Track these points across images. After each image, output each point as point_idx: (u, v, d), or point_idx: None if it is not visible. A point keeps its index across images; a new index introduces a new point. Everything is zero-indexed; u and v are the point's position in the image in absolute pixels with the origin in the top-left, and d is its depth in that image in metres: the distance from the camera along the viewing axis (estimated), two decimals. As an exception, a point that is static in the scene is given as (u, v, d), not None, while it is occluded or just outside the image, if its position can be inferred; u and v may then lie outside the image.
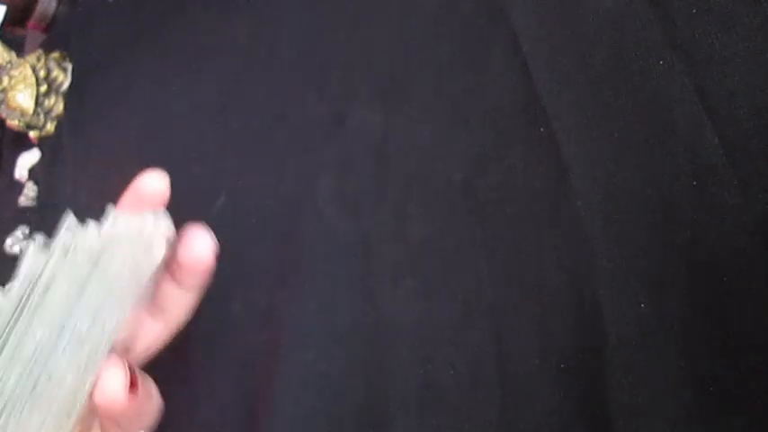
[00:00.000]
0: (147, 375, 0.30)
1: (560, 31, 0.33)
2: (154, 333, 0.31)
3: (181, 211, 0.31)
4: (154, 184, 0.31)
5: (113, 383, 0.26)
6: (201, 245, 0.30)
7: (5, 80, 0.52)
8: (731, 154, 0.27)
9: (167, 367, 0.34)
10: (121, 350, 0.30)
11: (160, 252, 0.28)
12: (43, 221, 0.53)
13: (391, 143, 0.37)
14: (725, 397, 0.26)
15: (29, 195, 0.57)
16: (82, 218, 0.47)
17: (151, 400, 0.29)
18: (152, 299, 0.31)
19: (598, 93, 0.31)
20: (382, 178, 0.37)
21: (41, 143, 0.56)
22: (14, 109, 0.53)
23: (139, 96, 0.51)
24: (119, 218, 0.29)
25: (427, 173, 0.35)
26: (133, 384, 0.27)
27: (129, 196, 0.31)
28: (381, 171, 0.37)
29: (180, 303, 0.31)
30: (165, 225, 0.29)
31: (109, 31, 0.55)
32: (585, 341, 0.29)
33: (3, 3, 0.55)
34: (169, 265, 0.30)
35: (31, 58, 0.55)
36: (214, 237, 0.30)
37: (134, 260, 0.28)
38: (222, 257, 0.35)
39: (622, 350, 0.28)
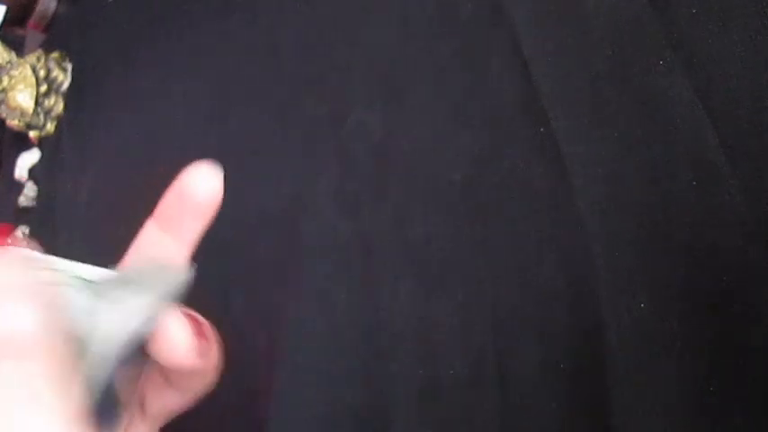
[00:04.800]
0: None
1: (560, 31, 0.33)
2: (170, 399, 0.28)
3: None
4: (204, 184, 0.27)
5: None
6: (176, 347, 0.25)
7: (5, 80, 0.52)
8: (731, 154, 0.27)
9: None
10: (136, 406, 0.28)
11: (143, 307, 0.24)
12: (43, 221, 0.53)
13: (391, 143, 0.37)
14: (725, 397, 0.26)
15: (29, 195, 0.57)
16: (82, 218, 0.47)
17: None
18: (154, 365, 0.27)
19: (598, 93, 0.31)
20: (382, 178, 0.37)
21: (41, 143, 0.56)
22: (14, 109, 0.53)
23: (139, 96, 0.51)
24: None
25: (427, 173, 0.35)
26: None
27: (169, 199, 0.27)
28: (381, 171, 0.37)
29: (185, 380, 0.27)
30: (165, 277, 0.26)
31: (109, 31, 0.55)
32: (585, 341, 0.29)
33: (3, 3, 0.55)
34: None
35: (31, 58, 0.55)
36: (194, 325, 0.26)
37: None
38: (223, 257, 0.35)
39: (622, 350, 0.28)
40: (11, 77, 0.52)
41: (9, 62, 0.52)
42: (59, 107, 0.54)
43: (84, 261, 0.29)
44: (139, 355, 0.26)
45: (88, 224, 0.48)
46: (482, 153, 0.34)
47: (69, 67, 0.55)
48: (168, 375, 0.27)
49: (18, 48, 0.58)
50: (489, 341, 0.31)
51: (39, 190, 0.56)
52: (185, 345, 0.25)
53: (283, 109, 0.42)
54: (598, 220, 0.30)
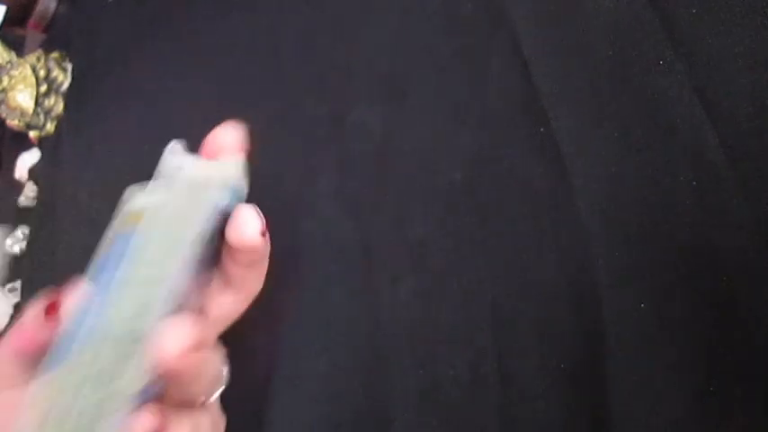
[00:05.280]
0: (215, 342, 0.30)
1: (560, 31, 0.33)
2: (226, 305, 0.31)
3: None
4: (227, 136, 0.32)
5: (174, 339, 0.25)
6: (247, 226, 0.29)
7: (5, 80, 0.52)
8: (731, 154, 0.27)
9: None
10: (197, 310, 0.30)
11: (214, 199, 0.29)
12: (43, 221, 0.53)
13: (391, 143, 0.37)
14: (725, 397, 0.26)
15: (29, 195, 0.57)
16: (81, 219, 0.47)
17: (212, 364, 0.29)
18: (215, 265, 0.31)
19: (598, 93, 0.31)
20: (382, 178, 0.37)
21: (41, 143, 0.56)
22: (14, 109, 0.53)
23: (139, 96, 0.51)
24: (194, 161, 0.31)
25: (427, 173, 0.35)
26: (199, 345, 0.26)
27: (207, 147, 0.32)
28: (381, 171, 0.37)
29: (242, 278, 0.31)
30: (230, 173, 0.30)
31: (109, 31, 0.55)
32: (585, 341, 0.29)
33: (3, 3, 0.55)
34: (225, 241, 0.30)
35: (31, 58, 0.55)
36: (261, 215, 0.30)
37: (195, 206, 0.28)
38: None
39: (622, 350, 0.28)
40: (11, 77, 0.52)
41: (9, 62, 0.52)
42: (59, 107, 0.54)
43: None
44: (211, 254, 0.29)
45: (88, 224, 0.48)
46: (482, 153, 0.34)
47: (69, 67, 0.55)
48: (229, 275, 0.30)
49: (18, 48, 0.58)
50: (489, 341, 0.31)
51: (39, 190, 0.56)
52: (257, 224, 0.29)
53: (283, 109, 0.42)
54: (598, 220, 0.30)
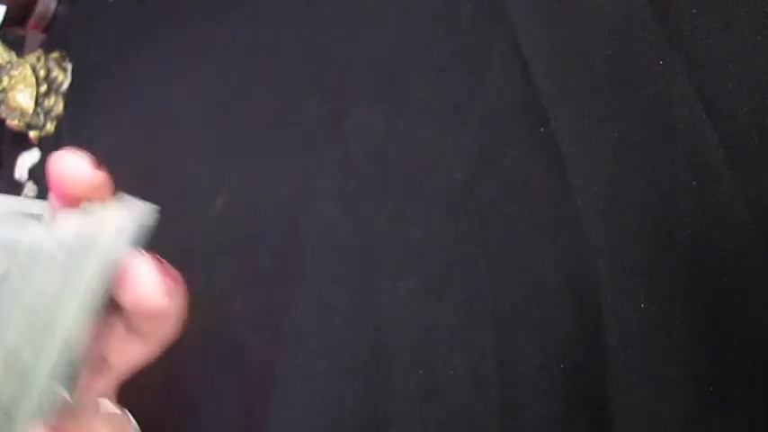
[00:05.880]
0: (106, 414, 0.27)
1: (560, 31, 0.33)
2: (132, 354, 0.26)
3: (181, 210, 0.31)
4: (76, 171, 0.24)
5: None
6: (145, 289, 0.23)
7: (5, 80, 0.52)
8: (731, 154, 0.27)
9: (167, 367, 0.34)
10: (97, 365, 0.26)
11: (106, 256, 0.23)
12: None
13: (391, 143, 0.37)
14: (725, 397, 0.26)
15: (29, 195, 0.57)
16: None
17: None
18: (115, 310, 0.26)
19: (598, 93, 0.31)
20: (382, 178, 0.37)
21: (41, 143, 0.56)
22: (14, 109, 0.53)
23: (139, 96, 0.51)
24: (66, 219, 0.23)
25: (427, 173, 0.35)
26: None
27: (56, 190, 0.25)
28: (381, 171, 0.37)
29: (150, 331, 0.26)
30: (117, 221, 0.23)
31: (109, 31, 0.55)
32: (585, 341, 0.29)
33: (3, 3, 0.55)
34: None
35: (31, 58, 0.55)
36: (162, 266, 0.24)
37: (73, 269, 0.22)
38: (223, 257, 0.35)
39: (622, 350, 0.28)
40: (11, 77, 0.52)
41: (9, 62, 0.52)
42: (59, 107, 0.54)
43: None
44: (102, 305, 0.24)
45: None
46: (482, 153, 0.34)
47: (69, 67, 0.55)
48: (133, 323, 0.25)
49: (18, 48, 0.58)
50: (489, 341, 0.31)
51: (39, 190, 0.56)
52: (155, 285, 0.23)
53: (283, 109, 0.42)
54: (598, 220, 0.30)
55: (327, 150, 0.39)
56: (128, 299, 0.23)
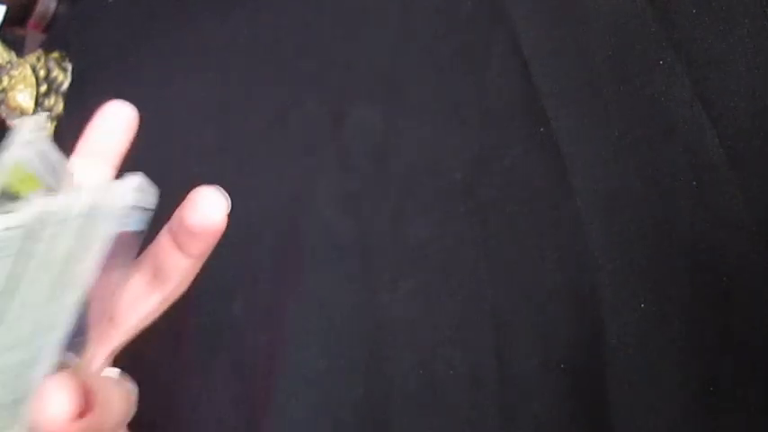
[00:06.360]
0: (111, 378, 0.27)
1: (560, 31, 0.33)
2: (151, 304, 0.28)
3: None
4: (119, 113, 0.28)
5: (55, 407, 0.21)
6: (210, 207, 0.26)
7: (5, 80, 0.52)
8: (731, 154, 0.27)
9: (167, 367, 0.34)
10: (105, 321, 0.27)
11: (113, 227, 0.23)
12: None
13: (391, 143, 0.37)
14: (725, 397, 0.26)
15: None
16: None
17: (113, 405, 0.25)
18: (128, 267, 0.27)
19: (598, 93, 0.31)
20: (382, 178, 0.37)
21: (41, 143, 0.56)
22: (14, 109, 0.53)
23: (139, 96, 0.51)
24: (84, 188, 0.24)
25: (427, 173, 0.35)
26: (85, 409, 0.22)
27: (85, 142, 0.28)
28: (381, 171, 0.37)
29: (181, 271, 0.28)
30: (129, 195, 0.24)
31: (109, 31, 0.55)
32: (585, 341, 0.29)
33: (3, 3, 0.55)
34: (171, 229, 0.27)
35: (31, 58, 0.55)
36: (226, 195, 0.27)
37: (85, 235, 0.23)
38: (222, 257, 0.34)
39: (622, 350, 0.28)
40: (11, 77, 0.52)
41: (9, 62, 0.52)
42: (59, 107, 0.54)
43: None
44: (123, 256, 0.25)
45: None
46: (482, 153, 0.34)
47: (69, 67, 0.55)
48: (166, 269, 0.27)
49: (18, 48, 0.58)
50: (489, 341, 0.31)
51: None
52: (223, 205, 0.26)
53: (283, 109, 0.42)
54: (598, 220, 0.30)
55: (327, 150, 0.39)
56: (197, 220, 0.26)
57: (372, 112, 0.38)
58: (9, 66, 0.52)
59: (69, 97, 0.55)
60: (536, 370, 0.30)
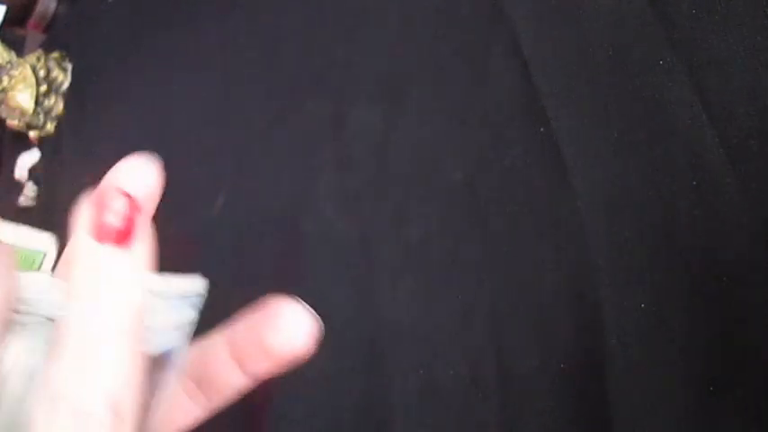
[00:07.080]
0: None
1: (560, 31, 0.33)
2: (190, 418, 0.25)
3: (180, 210, 0.31)
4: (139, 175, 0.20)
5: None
6: (298, 328, 0.23)
7: (5, 80, 0.52)
8: (731, 154, 0.27)
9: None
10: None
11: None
12: (43, 221, 0.53)
13: (391, 143, 0.37)
14: (725, 397, 0.26)
15: (29, 195, 0.57)
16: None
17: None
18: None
19: (598, 93, 0.31)
20: (382, 178, 0.37)
21: (41, 143, 0.56)
22: (14, 109, 0.53)
23: (139, 96, 0.51)
24: None
25: (427, 173, 0.35)
26: None
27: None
28: (381, 171, 0.37)
29: (236, 389, 0.24)
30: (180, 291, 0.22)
31: (109, 32, 0.55)
32: (585, 341, 0.29)
33: (3, 3, 0.55)
34: (234, 342, 0.24)
35: (31, 58, 0.55)
36: (313, 314, 0.24)
37: None
38: (223, 257, 0.35)
39: (622, 350, 0.28)
40: (11, 77, 0.52)
41: (9, 62, 0.52)
42: (59, 107, 0.54)
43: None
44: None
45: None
46: (482, 153, 0.34)
47: (69, 67, 0.55)
48: (201, 384, 0.24)
49: (18, 48, 0.58)
50: (489, 341, 0.31)
51: (39, 190, 0.56)
52: (310, 327, 0.23)
53: (283, 109, 0.42)
54: (598, 220, 0.30)
55: (327, 150, 0.39)
56: (282, 343, 0.23)
57: (372, 112, 0.38)
58: (9, 66, 0.52)
59: (69, 97, 0.55)
60: (536, 370, 0.30)
